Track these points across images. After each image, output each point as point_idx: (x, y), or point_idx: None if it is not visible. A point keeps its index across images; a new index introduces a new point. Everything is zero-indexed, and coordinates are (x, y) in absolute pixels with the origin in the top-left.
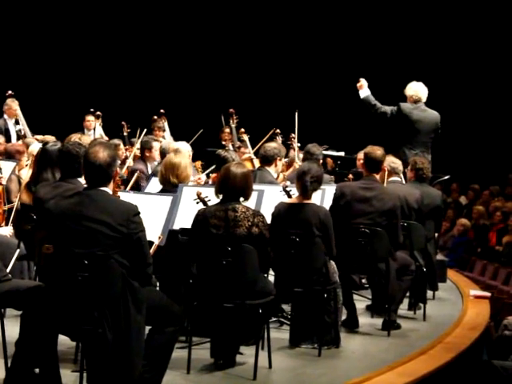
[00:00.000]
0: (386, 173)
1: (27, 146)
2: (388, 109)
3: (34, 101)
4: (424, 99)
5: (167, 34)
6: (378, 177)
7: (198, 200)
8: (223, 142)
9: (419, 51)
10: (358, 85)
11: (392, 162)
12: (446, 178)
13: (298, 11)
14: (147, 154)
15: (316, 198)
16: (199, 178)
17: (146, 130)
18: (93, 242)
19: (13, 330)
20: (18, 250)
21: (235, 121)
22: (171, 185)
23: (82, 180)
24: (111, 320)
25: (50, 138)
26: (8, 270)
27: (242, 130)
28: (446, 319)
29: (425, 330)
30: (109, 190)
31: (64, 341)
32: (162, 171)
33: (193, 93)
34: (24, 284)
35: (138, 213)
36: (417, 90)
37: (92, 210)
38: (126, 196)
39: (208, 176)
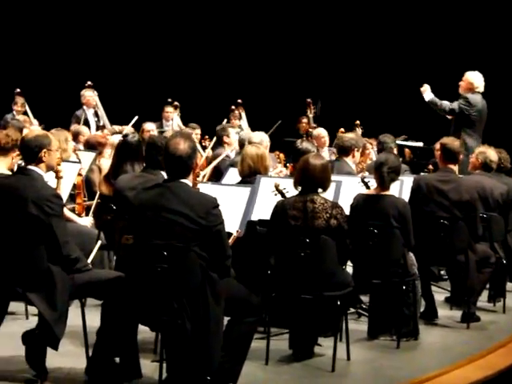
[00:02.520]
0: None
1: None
2: (455, 105)
3: (112, 91)
4: (483, 88)
5: (244, 24)
6: (455, 168)
7: (276, 192)
8: (301, 132)
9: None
10: (422, 89)
11: (489, 155)
12: None
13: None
14: (226, 141)
15: (394, 189)
16: (280, 171)
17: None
18: (172, 233)
19: (93, 319)
20: (99, 242)
21: (313, 111)
22: (250, 176)
23: (164, 172)
24: (190, 311)
25: (129, 129)
26: (89, 261)
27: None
28: None
29: (504, 323)
30: (188, 181)
31: (144, 331)
32: (242, 162)
33: (271, 83)
34: (104, 274)
35: (218, 205)
36: (479, 79)
37: (172, 201)
38: (205, 187)
39: (286, 166)
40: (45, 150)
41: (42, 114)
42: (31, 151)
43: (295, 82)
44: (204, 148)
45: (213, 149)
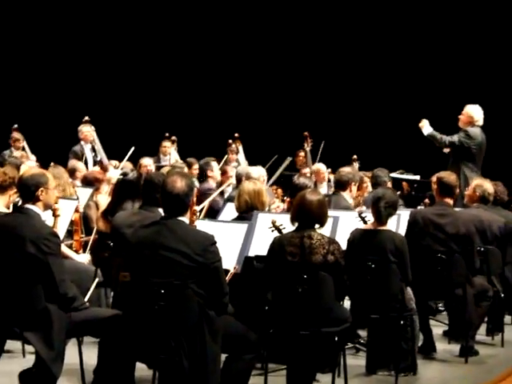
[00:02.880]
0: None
1: (105, 172)
2: (455, 138)
3: (109, 125)
4: (482, 122)
5: (243, 58)
6: (451, 202)
7: (273, 228)
8: (298, 166)
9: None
10: (420, 125)
11: (486, 187)
12: None
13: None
14: (210, 174)
15: (392, 224)
16: (278, 206)
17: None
18: (170, 271)
19: (91, 356)
20: (96, 279)
21: (310, 144)
22: (247, 211)
23: (161, 210)
24: (188, 349)
25: (127, 165)
26: (86, 299)
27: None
28: None
29: (503, 356)
30: (185, 219)
31: (141, 368)
32: (238, 198)
33: (268, 117)
34: (102, 312)
35: (215, 242)
36: (479, 113)
37: (169, 239)
38: (202, 224)
39: (283, 201)
40: (42, 189)
41: (39, 149)
42: (28, 190)
43: (292, 116)
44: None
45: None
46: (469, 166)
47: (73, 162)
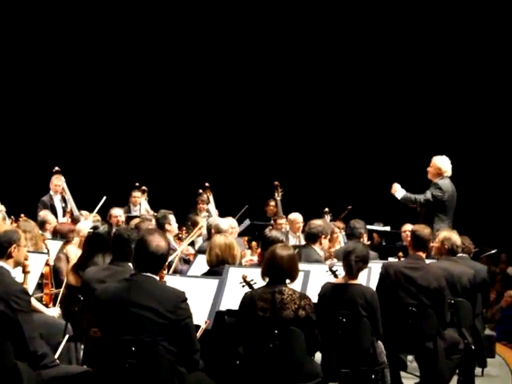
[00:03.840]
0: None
1: (75, 223)
2: (428, 194)
3: (79, 175)
4: (451, 172)
5: (211, 108)
6: (424, 255)
7: (244, 283)
8: (268, 215)
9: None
10: (392, 191)
11: (455, 240)
12: (493, 251)
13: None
14: (168, 228)
15: (362, 277)
16: (251, 260)
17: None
18: (140, 328)
19: None
20: (66, 336)
21: (280, 193)
22: (218, 265)
23: (131, 264)
24: None
25: (95, 217)
26: (57, 354)
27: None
28: None
29: None
30: (156, 276)
31: None
32: (210, 251)
33: (237, 165)
34: (72, 369)
35: (186, 299)
36: (447, 164)
37: (140, 296)
38: (172, 280)
39: (250, 248)
40: (14, 246)
41: (7, 199)
42: (1, 246)
43: (262, 165)
44: (180, 239)
45: None
46: (441, 217)
47: (43, 214)
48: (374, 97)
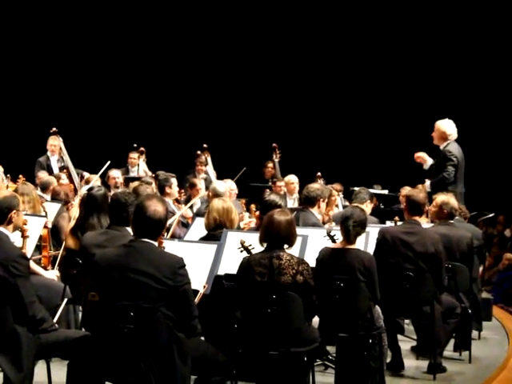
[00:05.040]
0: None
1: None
2: (451, 165)
3: (77, 136)
4: (456, 135)
5: (211, 70)
6: (420, 219)
7: (242, 248)
8: (266, 177)
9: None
10: (418, 160)
11: (453, 204)
12: (491, 215)
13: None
14: (168, 191)
15: (360, 241)
16: (250, 222)
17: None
18: (139, 294)
19: (59, 375)
20: (65, 300)
21: (278, 155)
22: (216, 229)
23: (129, 229)
24: (157, 371)
25: (92, 177)
26: (56, 318)
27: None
28: (492, 361)
29: (471, 373)
30: (155, 242)
31: None
32: (208, 215)
33: (236, 127)
34: (70, 334)
35: (184, 265)
36: (452, 127)
37: (138, 262)
38: (171, 245)
39: (248, 210)
40: (14, 211)
41: (5, 160)
42: (1, 212)
43: (261, 127)
44: (178, 202)
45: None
46: (452, 183)
47: (46, 177)
48: (374, 58)
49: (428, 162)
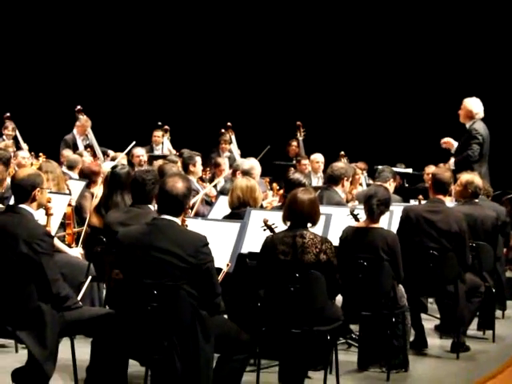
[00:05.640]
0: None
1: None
2: (476, 143)
3: (102, 113)
4: (483, 114)
5: (236, 48)
6: (445, 198)
7: (266, 227)
8: (290, 155)
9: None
10: (445, 146)
11: (478, 183)
12: None
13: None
14: (191, 169)
15: (384, 220)
16: (272, 201)
17: None
18: (162, 272)
19: (84, 351)
20: (89, 277)
21: (302, 133)
22: (239, 207)
23: (152, 206)
24: (180, 349)
25: (117, 155)
26: (80, 296)
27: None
28: None
29: (494, 352)
30: (178, 220)
31: (133, 364)
32: (231, 194)
33: (260, 105)
34: (94, 311)
35: (207, 243)
36: (479, 106)
37: (162, 240)
38: (194, 223)
39: (271, 189)
40: (38, 189)
41: (31, 137)
42: (25, 190)
43: (285, 105)
44: (203, 180)
45: None
46: (477, 162)
47: (74, 155)
48: (400, 35)
49: (455, 146)
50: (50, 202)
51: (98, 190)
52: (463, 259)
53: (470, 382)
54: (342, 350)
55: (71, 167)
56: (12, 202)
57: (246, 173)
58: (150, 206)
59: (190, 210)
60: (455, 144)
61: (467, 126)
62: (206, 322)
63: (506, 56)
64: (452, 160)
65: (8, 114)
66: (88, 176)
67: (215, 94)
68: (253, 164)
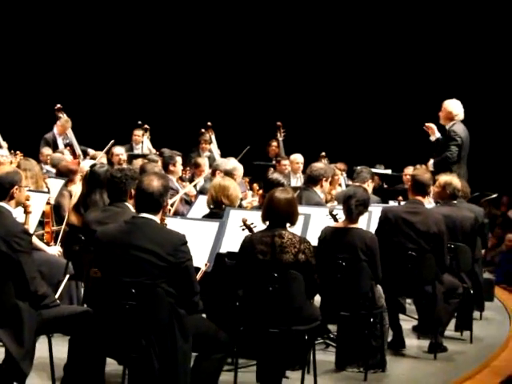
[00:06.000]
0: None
1: (75, 158)
2: (454, 145)
3: (81, 112)
4: (463, 116)
5: (216, 48)
6: (424, 200)
7: (244, 227)
8: (270, 156)
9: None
10: (428, 130)
11: (456, 185)
12: (494, 196)
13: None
14: (171, 169)
15: (363, 220)
16: (252, 201)
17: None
18: (140, 271)
19: (61, 350)
20: (67, 276)
21: (282, 134)
22: (215, 207)
23: (129, 205)
24: (158, 348)
25: (97, 154)
26: (58, 294)
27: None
28: (493, 341)
29: (472, 353)
30: (157, 218)
31: (111, 363)
32: (208, 192)
33: (240, 105)
34: (72, 309)
35: (186, 242)
36: (459, 108)
37: (140, 239)
38: (173, 222)
39: (251, 189)
40: (16, 187)
41: (10, 135)
42: (3, 188)
43: (265, 105)
44: (182, 179)
45: None
46: (456, 163)
47: (58, 154)
48: (379, 37)
49: (436, 134)
50: (28, 199)
51: (77, 188)
52: (441, 260)
53: (448, 383)
54: (319, 349)
55: (55, 165)
56: None
57: (228, 173)
58: (127, 204)
59: (169, 208)
60: (437, 133)
61: (447, 127)
62: (183, 321)
63: (486, 58)
64: (431, 161)
65: None
66: (65, 174)
67: (195, 94)
68: (235, 165)
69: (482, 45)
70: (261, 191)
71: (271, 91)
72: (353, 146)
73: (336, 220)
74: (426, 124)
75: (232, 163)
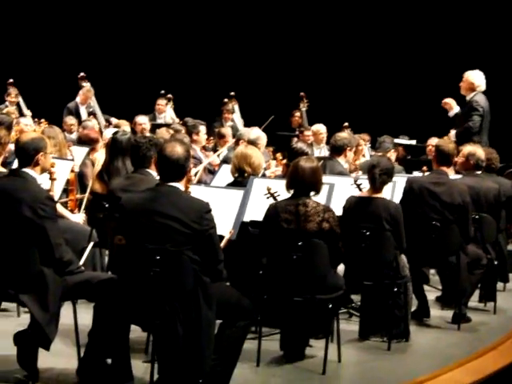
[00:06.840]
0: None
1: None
2: (477, 115)
3: (105, 81)
4: (484, 87)
5: (240, 17)
6: (448, 170)
7: (269, 195)
8: (293, 126)
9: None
10: (446, 106)
11: (480, 155)
12: None
13: None
14: (195, 138)
15: (387, 191)
16: (275, 171)
17: None
18: (165, 237)
19: (85, 317)
20: (91, 243)
21: (306, 104)
22: (239, 176)
23: (153, 172)
24: (182, 315)
25: (123, 123)
26: (82, 261)
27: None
28: None
29: (495, 324)
30: (181, 186)
31: (135, 329)
32: (235, 161)
33: (264, 75)
34: (97, 276)
35: (210, 210)
36: (481, 79)
37: (165, 206)
38: (197, 190)
39: (275, 158)
40: (41, 153)
41: (34, 104)
42: (28, 154)
43: (289, 75)
44: (205, 149)
45: None
46: (477, 134)
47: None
48: (403, 6)
49: (454, 109)
50: (53, 166)
51: (100, 156)
52: (465, 231)
53: (471, 353)
54: (343, 319)
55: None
56: (15, 166)
57: (252, 142)
58: (150, 171)
59: (193, 177)
60: (455, 108)
61: (468, 98)
62: (208, 288)
63: (509, 30)
64: (452, 132)
65: (11, 80)
66: (86, 143)
67: (219, 64)
68: (259, 134)
69: (504, 15)
70: (284, 161)
71: (295, 61)
72: (376, 117)
73: (360, 189)
74: (444, 100)
75: (255, 132)
